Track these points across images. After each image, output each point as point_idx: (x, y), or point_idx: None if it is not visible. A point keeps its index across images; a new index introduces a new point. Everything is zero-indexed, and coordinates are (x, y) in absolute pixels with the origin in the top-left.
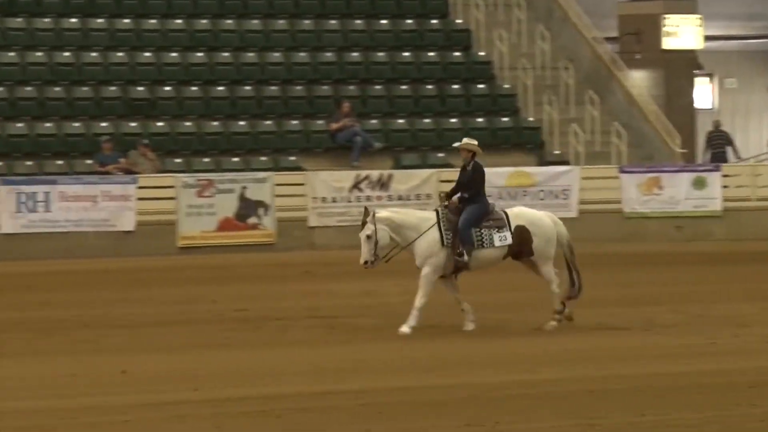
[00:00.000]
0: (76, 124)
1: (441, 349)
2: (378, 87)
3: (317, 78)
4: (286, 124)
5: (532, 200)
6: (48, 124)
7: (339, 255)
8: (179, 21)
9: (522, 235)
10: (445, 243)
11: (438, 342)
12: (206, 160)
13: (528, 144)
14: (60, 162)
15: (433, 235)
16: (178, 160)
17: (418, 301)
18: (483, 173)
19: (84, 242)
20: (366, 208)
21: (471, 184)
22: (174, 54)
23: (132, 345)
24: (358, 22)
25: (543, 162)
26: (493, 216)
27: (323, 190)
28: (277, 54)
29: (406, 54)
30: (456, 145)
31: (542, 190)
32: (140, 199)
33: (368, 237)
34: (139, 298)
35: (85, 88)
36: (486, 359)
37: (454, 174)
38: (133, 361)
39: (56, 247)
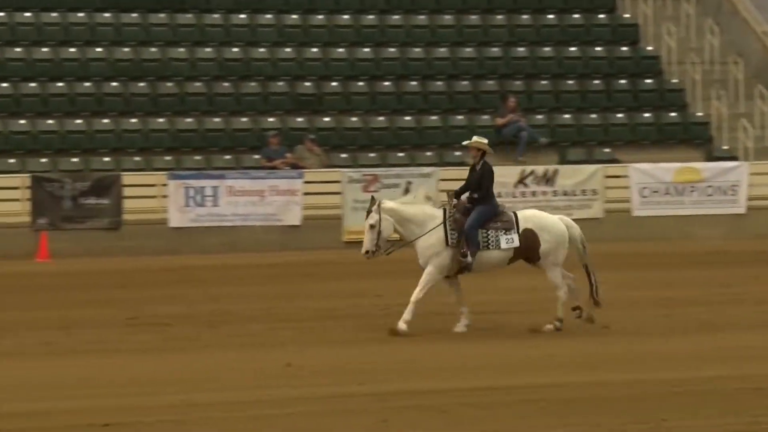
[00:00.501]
0: (244, 119)
1: (605, 346)
2: (544, 82)
3: (483, 73)
4: (452, 120)
5: (700, 196)
6: (216, 119)
7: None
8: (346, 17)
9: (529, 239)
10: (449, 243)
11: (600, 339)
12: (372, 155)
13: (696, 139)
14: (227, 157)
15: (438, 234)
16: (344, 155)
17: (415, 295)
18: (492, 173)
19: (251, 236)
20: (372, 197)
21: (480, 184)
22: (341, 50)
23: (297, 339)
24: (525, 17)
25: (711, 158)
26: (501, 218)
27: None
28: (443, 49)
29: (573, 49)
30: (465, 143)
31: (710, 186)
32: (306, 193)
33: (372, 226)
34: (305, 293)
35: (252, 84)
36: (650, 356)
37: (619, 170)
38: (298, 354)
39: (223, 242)
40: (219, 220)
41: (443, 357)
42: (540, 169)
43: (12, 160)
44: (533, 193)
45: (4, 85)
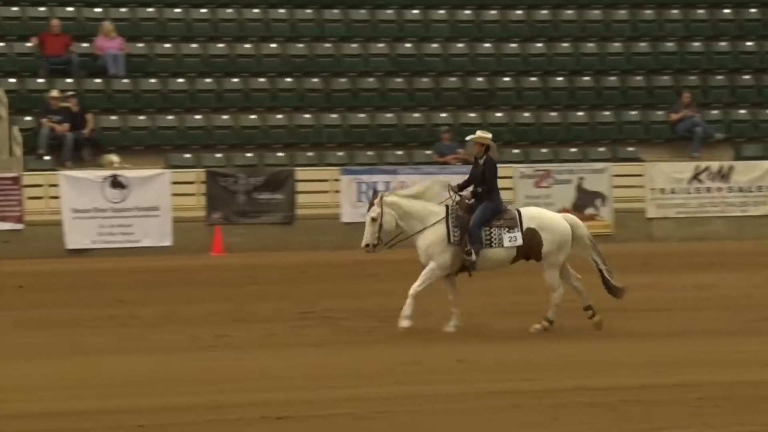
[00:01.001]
0: (416, 115)
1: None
2: (719, 77)
3: (658, 68)
4: (625, 115)
5: None
6: (389, 115)
7: (678, 247)
8: (519, 12)
9: (532, 238)
10: (452, 240)
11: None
12: (544, 150)
13: None
14: (399, 152)
15: (440, 231)
16: (516, 151)
17: (414, 289)
18: (495, 168)
19: None
20: (374, 190)
21: (483, 179)
22: (513, 45)
23: (469, 334)
24: (701, 11)
25: None
26: (505, 215)
27: (662, 181)
28: (617, 44)
29: (749, 43)
30: (469, 138)
31: None
32: None
33: (373, 219)
34: (477, 289)
35: (425, 79)
36: None
37: None
38: (469, 350)
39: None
40: None
41: (608, 354)
42: (715, 165)
43: (187, 155)
44: (707, 189)
45: (180, 81)
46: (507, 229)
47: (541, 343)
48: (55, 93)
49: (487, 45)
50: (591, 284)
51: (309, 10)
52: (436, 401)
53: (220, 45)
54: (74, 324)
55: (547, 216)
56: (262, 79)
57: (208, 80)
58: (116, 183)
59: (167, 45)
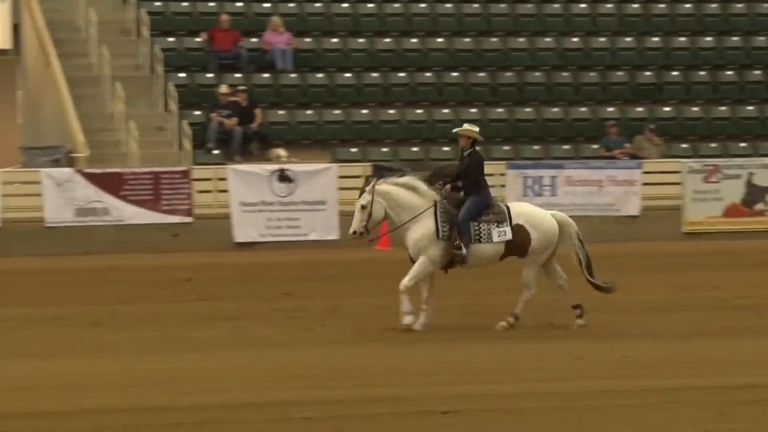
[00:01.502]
0: (583, 109)
1: None
2: None
3: None
4: None
5: None
6: (555, 109)
7: None
8: (688, 6)
9: (519, 235)
10: (440, 236)
11: None
12: (713, 145)
13: None
14: (566, 146)
15: (429, 225)
16: (684, 146)
17: (404, 284)
18: (480, 162)
19: (588, 226)
20: (367, 178)
21: (467, 172)
22: (682, 38)
23: (632, 330)
24: None
25: None
26: (493, 210)
27: None
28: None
29: None
30: (455, 131)
31: None
32: (645, 184)
33: (363, 207)
34: (642, 284)
35: (592, 74)
36: None
37: None
38: (632, 346)
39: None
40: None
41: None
42: None
43: (354, 150)
44: None
45: (347, 75)
46: (496, 224)
47: (710, 341)
48: (224, 88)
49: (655, 39)
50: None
51: (476, 5)
52: (601, 397)
53: (387, 40)
54: (241, 316)
55: (536, 212)
56: (428, 74)
57: (375, 75)
58: (284, 177)
59: (335, 40)
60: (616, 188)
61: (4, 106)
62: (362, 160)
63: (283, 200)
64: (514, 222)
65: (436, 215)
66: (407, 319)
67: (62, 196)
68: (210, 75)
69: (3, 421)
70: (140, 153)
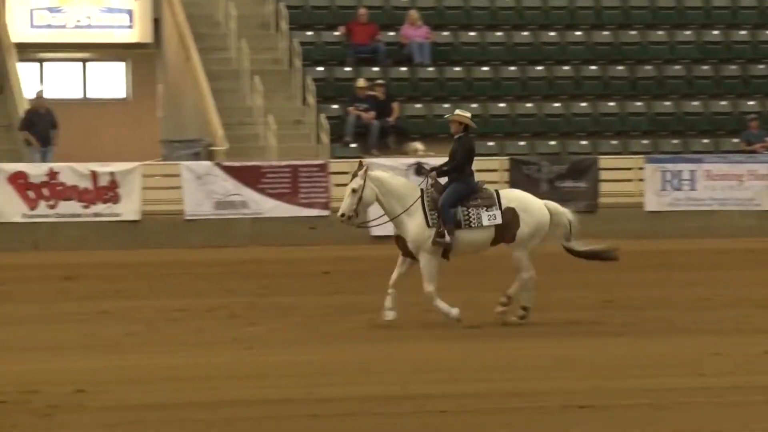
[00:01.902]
0: (723, 103)
1: None
2: None
3: None
4: None
5: None
6: (695, 103)
7: None
8: None
9: (510, 219)
10: (430, 224)
11: None
12: None
13: None
14: (705, 140)
15: (421, 218)
16: None
17: (427, 291)
18: (469, 148)
19: (728, 221)
20: (361, 162)
21: (454, 157)
22: None
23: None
24: None
25: None
26: (481, 194)
27: None
28: None
29: None
30: (447, 117)
31: None
32: None
33: (353, 191)
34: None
35: (732, 67)
36: None
37: None
38: None
39: (700, 226)
40: (695, 204)
41: None
42: None
43: (491, 143)
44: None
45: (484, 69)
46: (485, 208)
47: None
48: (361, 82)
49: None
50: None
51: None
52: (739, 393)
53: (525, 33)
54: (378, 309)
55: (528, 198)
56: (566, 67)
57: (513, 68)
58: (420, 170)
59: (472, 33)
60: (756, 183)
61: (144, 100)
62: (499, 154)
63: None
64: (505, 206)
65: (423, 204)
66: (453, 312)
67: (201, 189)
68: (348, 69)
69: (145, 412)
70: (278, 146)
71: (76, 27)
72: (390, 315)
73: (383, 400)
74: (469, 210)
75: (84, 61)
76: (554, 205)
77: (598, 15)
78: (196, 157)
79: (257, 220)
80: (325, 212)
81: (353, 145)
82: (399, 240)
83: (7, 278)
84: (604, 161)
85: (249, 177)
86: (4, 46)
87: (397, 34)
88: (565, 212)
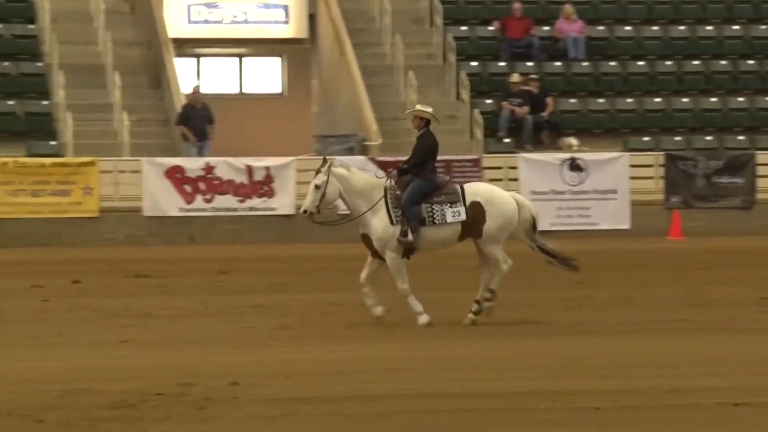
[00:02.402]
0: None
1: None
2: None
3: None
4: None
5: None
6: None
7: None
8: None
9: (475, 213)
10: (394, 221)
11: None
12: None
13: None
14: None
15: (384, 216)
16: None
17: (401, 290)
18: (430, 143)
19: None
20: (325, 158)
21: (413, 152)
22: None
23: None
24: None
25: None
26: (445, 190)
27: None
28: None
29: None
30: (407, 111)
31: None
32: None
33: (317, 187)
34: None
35: None
36: None
37: None
38: None
39: None
40: None
41: None
42: None
43: (646, 138)
44: None
45: (640, 63)
46: (449, 204)
47: None
48: (515, 77)
49: None
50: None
51: None
52: None
53: (682, 27)
54: (529, 305)
55: (493, 191)
56: (723, 62)
57: (669, 63)
58: (575, 166)
59: (628, 28)
60: None
61: (299, 95)
62: (655, 149)
63: (573, 189)
64: (470, 200)
65: (386, 201)
66: (422, 319)
67: None
68: (502, 63)
69: (298, 405)
70: None
71: (233, 22)
72: (378, 311)
73: (534, 396)
74: (433, 207)
75: (240, 56)
76: (520, 197)
77: (756, 9)
78: (350, 151)
79: None
80: None
81: (507, 140)
82: (366, 239)
83: (163, 271)
84: (762, 157)
85: None
86: (162, 41)
87: (551, 28)
88: (530, 206)
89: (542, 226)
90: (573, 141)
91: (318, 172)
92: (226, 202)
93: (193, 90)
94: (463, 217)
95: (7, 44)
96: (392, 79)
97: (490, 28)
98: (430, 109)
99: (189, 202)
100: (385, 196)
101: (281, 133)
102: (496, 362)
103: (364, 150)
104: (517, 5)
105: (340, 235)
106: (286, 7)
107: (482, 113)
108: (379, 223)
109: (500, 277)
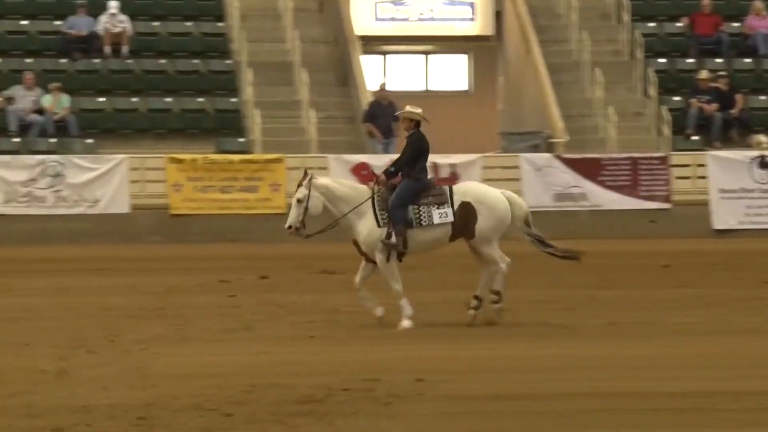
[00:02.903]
0: None
1: None
2: None
3: None
4: None
5: None
6: None
7: None
8: None
9: (465, 213)
10: (381, 224)
11: None
12: None
13: None
14: None
15: (371, 217)
16: None
17: (394, 289)
18: (420, 145)
19: None
20: (306, 171)
21: (402, 155)
22: None
23: None
24: None
25: None
26: (432, 192)
27: None
28: None
29: None
30: (397, 114)
31: None
32: None
33: (299, 201)
34: None
35: None
36: None
37: None
38: None
39: None
40: None
41: None
42: None
43: None
44: None
45: None
46: (436, 206)
47: None
48: (704, 74)
49: None
50: None
51: None
52: None
53: None
54: (720, 304)
55: (483, 190)
56: None
57: None
58: (764, 164)
59: None
60: None
61: (485, 92)
62: None
63: (763, 187)
64: (459, 201)
65: (373, 203)
66: (405, 323)
67: (541, 181)
68: (690, 60)
69: (483, 402)
70: (618, 138)
71: (419, 20)
72: (379, 311)
73: (722, 396)
74: (420, 208)
75: (426, 53)
76: (511, 194)
77: None
78: (536, 149)
79: (596, 213)
80: (666, 205)
81: (695, 138)
82: (356, 243)
83: (350, 268)
84: None
85: (588, 169)
86: (349, 39)
87: (741, 24)
88: (522, 203)
89: (730, 225)
90: (763, 138)
91: (299, 186)
92: None
93: (380, 87)
94: (451, 218)
95: (197, 42)
96: (578, 75)
97: (679, 24)
98: (419, 110)
99: None
100: (372, 198)
101: (467, 131)
102: (686, 361)
103: (549, 147)
104: (705, 1)
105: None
106: (472, 5)
107: (670, 110)
108: (365, 226)
109: (501, 278)
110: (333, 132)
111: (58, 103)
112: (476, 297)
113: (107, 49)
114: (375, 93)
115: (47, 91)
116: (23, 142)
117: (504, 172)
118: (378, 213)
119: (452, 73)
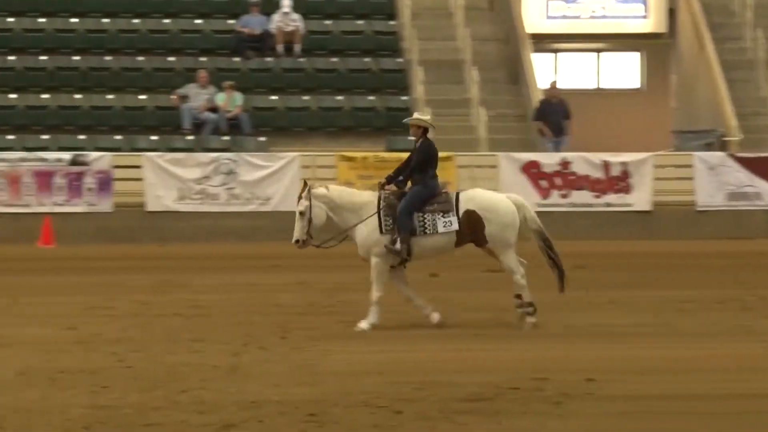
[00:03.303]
0: None
1: None
2: None
3: None
4: None
5: None
6: None
7: None
8: None
9: (472, 221)
10: (383, 230)
11: None
12: None
13: None
14: None
15: (374, 222)
16: None
17: (374, 294)
18: (430, 152)
19: None
20: (305, 182)
21: (414, 163)
22: None
23: None
24: None
25: None
26: (439, 199)
27: None
28: None
29: None
30: (405, 120)
31: None
32: None
33: (301, 213)
34: None
35: None
36: None
37: None
38: None
39: None
40: None
41: None
42: None
43: None
44: None
45: None
46: (441, 214)
47: None
48: None
49: None
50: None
51: None
52: None
53: None
54: None
55: (488, 196)
56: None
57: None
58: None
59: None
60: None
61: (658, 90)
62: None
63: None
64: (464, 208)
65: (379, 210)
66: (363, 324)
67: (714, 180)
68: None
69: (652, 402)
70: None
71: (591, 17)
72: (435, 317)
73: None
74: (425, 216)
75: (598, 51)
76: (516, 197)
77: None
78: (709, 147)
79: None
80: None
81: None
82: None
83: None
84: None
85: (763, 168)
86: (520, 37)
87: None
88: (528, 207)
89: None
90: None
91: (300, 198)
92: (582, 197)
93: (550, 85)
94: (455, 227)
95: (368, 40)
96: (753, 74)
97: None
98: (428, 117)
99: (545, 198)
100: (378, 205)
101: (639, 129)
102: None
103: (723, 146)
104: None
105: (697, 232)
106: (645, 2)
107: None
108: (364, 230)
109: (521, 287)
110: (503, 130)
111: (231, 101)
112: (525, 301)
113: (280, 48)
114: (546, 91)
115: (221, 89)
116: (197, 140)
117: (676, 171)
118: (383, 219)
119: (624, 71)
